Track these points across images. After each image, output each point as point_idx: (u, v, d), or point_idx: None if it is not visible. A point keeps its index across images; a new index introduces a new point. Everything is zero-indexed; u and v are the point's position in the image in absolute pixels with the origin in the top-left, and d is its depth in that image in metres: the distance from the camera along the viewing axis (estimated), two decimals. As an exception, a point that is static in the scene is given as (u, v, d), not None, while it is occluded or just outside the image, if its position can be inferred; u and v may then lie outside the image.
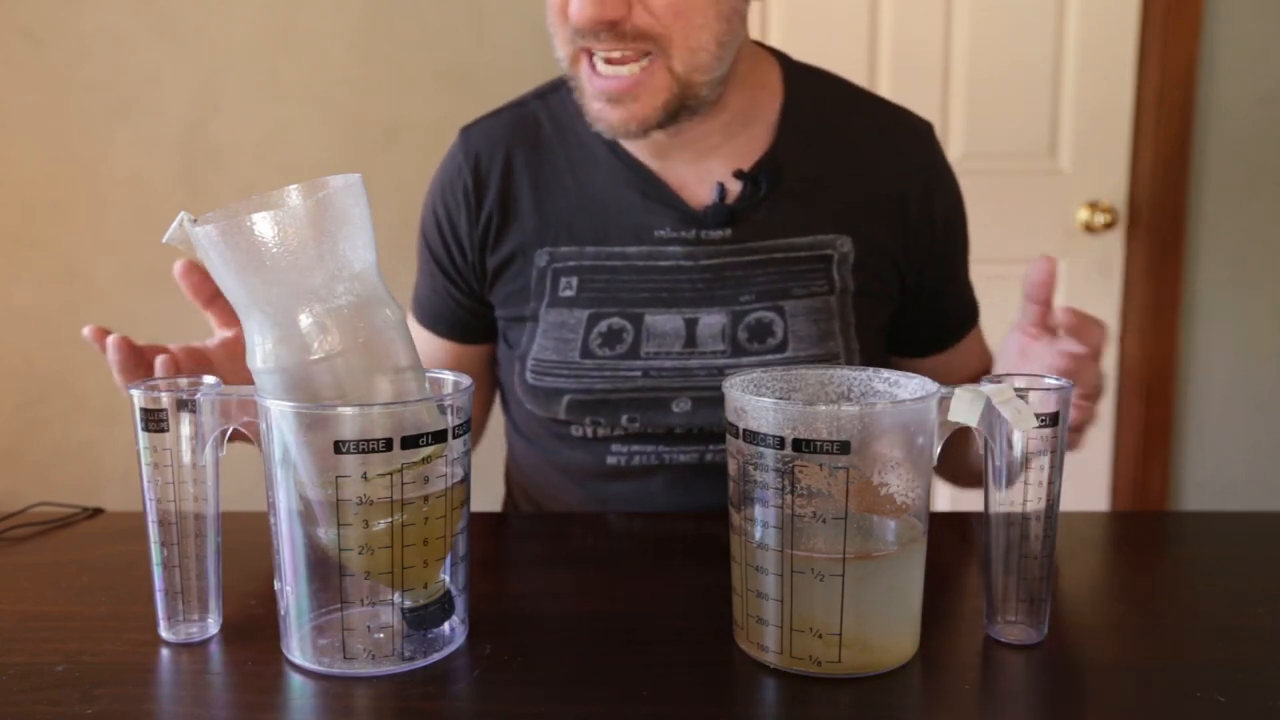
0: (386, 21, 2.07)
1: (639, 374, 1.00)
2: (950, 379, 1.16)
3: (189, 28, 2.06)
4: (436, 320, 1.11)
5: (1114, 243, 2.18)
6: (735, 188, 1.01)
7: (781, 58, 1.07)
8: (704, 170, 1.02)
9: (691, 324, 1.00)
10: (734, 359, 0.99)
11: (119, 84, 2.07)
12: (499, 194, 1.04)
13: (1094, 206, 2.16)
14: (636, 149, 1.02)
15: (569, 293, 1.02)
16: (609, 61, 0.92)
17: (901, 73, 2.12)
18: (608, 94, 0.93)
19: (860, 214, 1.02)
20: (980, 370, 1.12)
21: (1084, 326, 0.82)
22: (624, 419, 1.01)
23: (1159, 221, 2.14)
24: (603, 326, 1.01)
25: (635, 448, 1.03)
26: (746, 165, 1.01)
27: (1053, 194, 2.16)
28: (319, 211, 0.61)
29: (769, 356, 0.99)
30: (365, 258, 0.63)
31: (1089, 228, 2.16)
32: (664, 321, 1.00)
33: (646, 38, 0.91)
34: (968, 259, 1.12)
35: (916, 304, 1.07)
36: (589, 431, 1.04)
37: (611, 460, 1.03)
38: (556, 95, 1.07)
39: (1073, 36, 2.12)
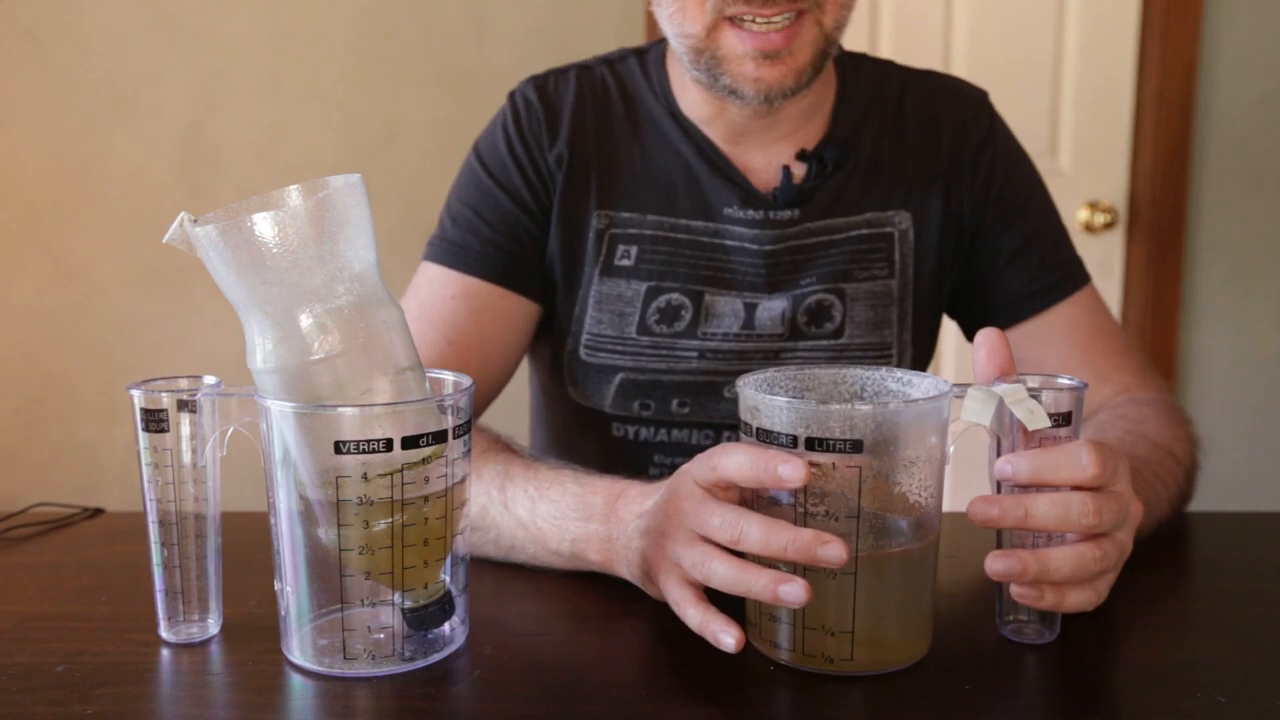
0: (386, 21, 2.06)
1: (694, 355, 0.99)
2: (1055, 356, 0.97)
3: (189, 28, 2.06)
4: (495, 263, 0.99)
5: (1114, 243, 2.18)
6: (800, 171, 1.01)
7: None
8: (771, 155, 1.01)
9: (751, 308, 1.00)
10: (791, 342, 0.99)
11: (119, 84, 2.07)
12: (570, 132, 1.01)
13: (1094, 206, 2.16)
14: (708, 131, 1.01)
15: (626, 262, 1.00)
16: (762, 19, 0.89)
17: (901, 73, 2.12)
18: (764, 50, 0.89)
19: (918, 186, 1.02)
20: (1097, 348, 1.01)
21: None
22: (674, 404, 1.00)
23: (1159, 221, 2.14)
24: (661, 301, 0.99)
25: (680, 460, 0.96)
26: (808, 148, 1.01)
27: (1053, 194, 2.14)
28: (319, 212, 0.61)
29: (824, 342, 0.99)
30: (365, 258, 0.63)
31: (1089, 228, 2.16)
32: (724, 303, 0.99)
33: None
34: (1051, 222, 1.07)
35: (990, 269, 1.04)
36: (631, 432, 1.02)
37: (654, 473, 1.00)
38: (624, 64, 1.05)
39: (1073, 36, 2.12)
